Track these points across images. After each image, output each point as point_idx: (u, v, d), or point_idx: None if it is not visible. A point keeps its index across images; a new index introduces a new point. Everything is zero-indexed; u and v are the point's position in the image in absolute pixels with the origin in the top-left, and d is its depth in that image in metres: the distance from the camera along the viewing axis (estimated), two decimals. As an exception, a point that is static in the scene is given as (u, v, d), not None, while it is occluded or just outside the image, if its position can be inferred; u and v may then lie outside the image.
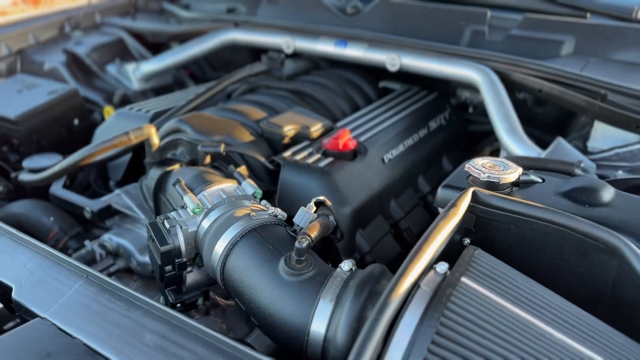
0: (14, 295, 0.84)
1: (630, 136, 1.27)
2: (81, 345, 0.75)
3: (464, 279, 0.72)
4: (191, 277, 0.98)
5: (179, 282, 0.95)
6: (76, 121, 1.55)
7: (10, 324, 0.86)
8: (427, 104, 1.47)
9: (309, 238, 0.80)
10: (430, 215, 1.27)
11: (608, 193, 0.90)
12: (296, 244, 0.79)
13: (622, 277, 0.79)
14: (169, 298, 0.93)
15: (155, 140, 1.14)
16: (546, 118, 1.68)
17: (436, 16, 1.56)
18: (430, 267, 0.74)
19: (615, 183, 1.08)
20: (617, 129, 1.28)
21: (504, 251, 0.86)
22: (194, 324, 0.74)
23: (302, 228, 0.89)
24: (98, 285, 0.84)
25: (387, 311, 0.67)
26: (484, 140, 1.67)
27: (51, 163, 1.26)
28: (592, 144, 1.35)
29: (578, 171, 1.03)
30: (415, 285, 0.71)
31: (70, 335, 0.76)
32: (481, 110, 1.68)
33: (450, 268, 0.73)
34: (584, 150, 1.29)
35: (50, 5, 11.06)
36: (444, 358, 0.63)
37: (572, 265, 0.84)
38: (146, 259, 1.12)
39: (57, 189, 1.23)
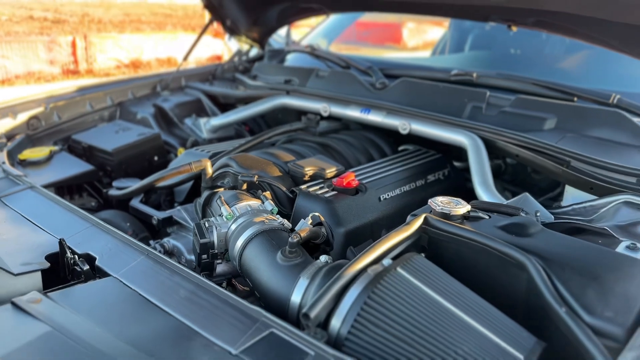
0: (97, 262, 1.19)
1: (589, 196, 1.50)
2: (137, 294, 1.08)
3: (398, 269, 1.00)
4: (220, 267, 1.30)
5: (211, 268, 1.27)
6: (156, 158, 1.97)
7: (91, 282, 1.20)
8: (430, 161, 1.76)
9: (299, 236, 1.11)
10: (416, 247, 1.54)
11: (534, 228, 1.16)
12: (289, 239, 1.10)
13: (530, 287, 1.04)
14: (202, 279, 1.25)
15: (209, 171, 1.50)
16: (543, 183, 1.92)
17: (445, 93, 1.87)
18: (378, 261, 1.02)
19: (556, 225, 1.33)
20: (580, 190, 1.53)
21: (446, 264, 1.11)
22: (213, 285, 1.06)
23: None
24: (154, 260, 1.17)
25: (339, 282, 0.96)
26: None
27: (132, 184, 1.66)
28: (564, 202, 1.59)
29: (522, 214, 1.28)
30: (364, 270, 1.00)
31: (131, 288, 1.10)
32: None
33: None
34: (550, 206, 1.53)
35: (147, 70, 12.21)
36: (371, 316, 0.91)
37: (497, 277, 1.09)
38: (192, 257, 1.45)
39: (136, 202, 1.61)
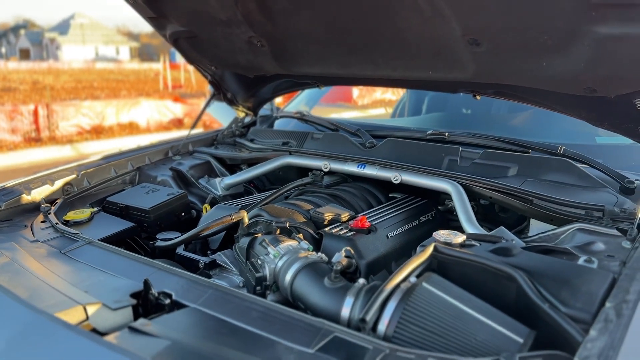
0: (174, 297, 1.44)
1: (549, 226, 1.87)
2: (217, 318, 1.33)
3: (423, 283, 1.31)
4: (269, 297, 1.57)
5: (263, 298, 1.54)
6: (183, 214, 2.23)
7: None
8: (419, 205, 2.11)
9: (341, 264, 1.41)
10: (418, 275, 1.85)
11: (516, 250, 1.50)
12: (334, 266, 1.40)
13: (519, 294, 1.36)
14: (257, 307, 1.52)
15: (246, 220, 1.79)
16: (510, 220, 2.29)
17: (425, 149, 2.25)
18: (406, 279, 1.34)
19: (530, 248, 1.68)
20: (542, 222, 1.90)
21: (452, 281, 1.42)
22: (278, 306, 1.33)
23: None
24: (222, 292, 1.43)
25: (381, 296, 1.26)
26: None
27: (174, 236, 1.92)
28: (530, 233, 1.95)
29: (503, 241, 1.62)
30: (397, 286, 1.30)
31: (210, 314, 1.35)
32: (461, 214, 2.30)
33: (417, 280, 1.33)
34: (520, 237, 1.88)
35: (110, 136, 12.29)
36: (409, 318, 1.21)
37: (491, 288, 1.41)
38: (237, 293, 1.71)
39: (181, 251, 1.86)
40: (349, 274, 1.58)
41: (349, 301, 1.35)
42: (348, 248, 1.52)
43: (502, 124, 3.07)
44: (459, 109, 3.83)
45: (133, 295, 1.45)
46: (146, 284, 1.44)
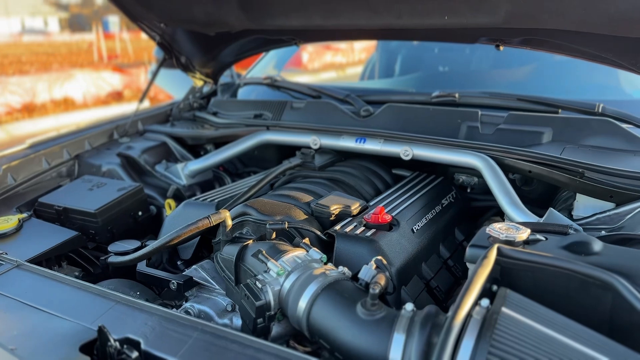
0: (143, 346, 1.03)
1: (605, 204, 1.54)
2: (211, 378, 0.93)
3: (504, 309, 0.94)
4: (275, 329, 1.17)
5: (267, 332, 1.14)
6: (140, 213, 1.78)
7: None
8: (437, 185, 1.74)
9: (380, 286, 1.02)
10: (452, 276, 1.49)
11: (598, 245, 1.15)
12: (371, 290, 1.01)
13: (616, 306, 1.02)
14: (260, 346, 1.12)
15: (229, 222, 1.37)
16: (533, 194, 1.95)
17: (436, 116, 1.87)
18: (476, 303, 0.96)
19: (602, 238, 1.34)
20: (594, 199, 1.56)
21: (522, 293, 1.08)
22: (298, 354, 0.94)
23: (367, 282, 1.11)
24: (212, 334, 1.03)
25: (452, 333, 0.89)
26: (483, 215, 1.92)
27: (132, 247, 1.47)
28: (576, 213, 1.61)
29: (571, 231, 1.28)
30: (469, 316, 0.93)
31: (200, 372, 0.95)
32: (477, 190, 1.95)
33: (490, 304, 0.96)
34: (570, 219, 1.55)
35: (43, 114, 11.42)
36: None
37: (577, 300, 1.06)
38: (224, 321, 1.31)
39: (143, 267, 1.43)
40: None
41: (398, 339, 0.97)
42: (379, 258, 1.13)
43: (504, 79, 2.71)
44: (435, 67, 3.49)
45: (84, 349, 1.03)
46: (101, 332, 1.02)
